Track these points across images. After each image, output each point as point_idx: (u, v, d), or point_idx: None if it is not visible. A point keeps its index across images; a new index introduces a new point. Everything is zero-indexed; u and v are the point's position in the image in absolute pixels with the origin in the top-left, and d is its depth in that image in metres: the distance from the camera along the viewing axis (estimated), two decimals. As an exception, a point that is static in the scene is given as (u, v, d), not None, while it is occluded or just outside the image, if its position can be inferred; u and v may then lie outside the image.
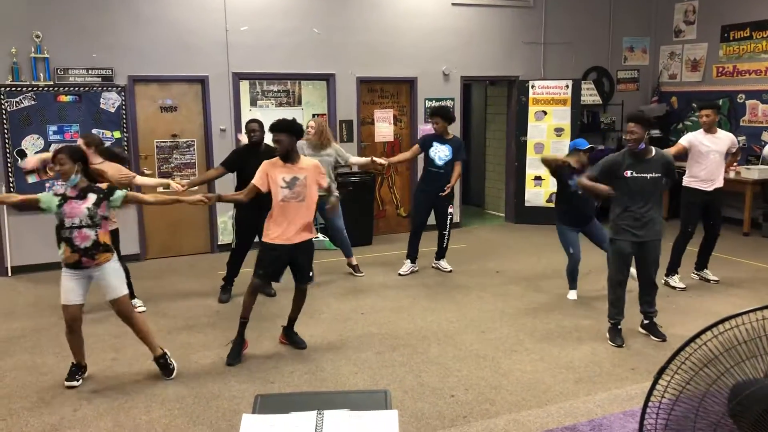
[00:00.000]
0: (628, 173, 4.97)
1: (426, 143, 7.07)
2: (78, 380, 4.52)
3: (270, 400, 2.19)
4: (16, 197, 4.61)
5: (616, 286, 5.18)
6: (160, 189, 6.76)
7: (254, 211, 5.75)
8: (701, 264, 6.88)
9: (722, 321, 2.20)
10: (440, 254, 7.36)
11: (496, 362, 4.82)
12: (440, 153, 6.96)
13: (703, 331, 2.22)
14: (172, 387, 4.46)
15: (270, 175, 4.86)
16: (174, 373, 4.62)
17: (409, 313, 5.93)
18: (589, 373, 4.63)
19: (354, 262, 7.24)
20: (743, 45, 9.41)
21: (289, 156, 4.88)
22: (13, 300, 6.44)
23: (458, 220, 9.68)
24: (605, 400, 4.21)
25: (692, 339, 2.23)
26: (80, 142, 5.52)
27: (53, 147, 7.31)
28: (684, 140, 6.55)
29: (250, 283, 4.93)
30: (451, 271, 7.27)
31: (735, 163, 7.45)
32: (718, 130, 6.56)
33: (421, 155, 7.13)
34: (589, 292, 6.45)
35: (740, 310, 2.22)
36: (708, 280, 6.79)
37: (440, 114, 6.97)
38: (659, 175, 4.97)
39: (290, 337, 5.22)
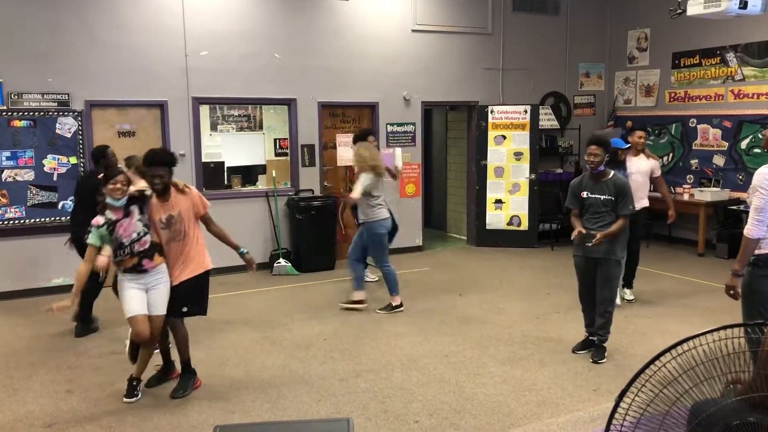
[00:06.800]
0: (584, 194, 5.23)
1: None
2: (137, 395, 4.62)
3: (229, 431, 2.14)
4: (85, 269, 4.29)
5: (579, 297, 5.48)
6: None
7: None
8: (626, 281, 6.87)
9: (680, 342, 2.24)
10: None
11: (459, 386, 4.81)
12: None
13: (663, 353, 2.25)
14: (131, 417, 4.33)
15: (152, 218, 4.51)
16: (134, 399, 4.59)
17: (372, 338, 5.89)
18: (551, 395, 4.65)
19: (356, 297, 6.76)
20: (693, 71, 9.71)
21: (166, 191, 4.49)
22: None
23: (420, 243, 9.71)
24: (568, 422, 4.23)
25: (652, 360, 2.26)
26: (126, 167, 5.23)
27: (6, 173, 7.16)
28: None
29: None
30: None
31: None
32: (644, 153, 6.90)
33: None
34: (551, 314, 6.51)
35: (697, 331, 2.26)
36: (622, 298, 6.73)
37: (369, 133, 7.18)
38: (611, 197, 5.14)
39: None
